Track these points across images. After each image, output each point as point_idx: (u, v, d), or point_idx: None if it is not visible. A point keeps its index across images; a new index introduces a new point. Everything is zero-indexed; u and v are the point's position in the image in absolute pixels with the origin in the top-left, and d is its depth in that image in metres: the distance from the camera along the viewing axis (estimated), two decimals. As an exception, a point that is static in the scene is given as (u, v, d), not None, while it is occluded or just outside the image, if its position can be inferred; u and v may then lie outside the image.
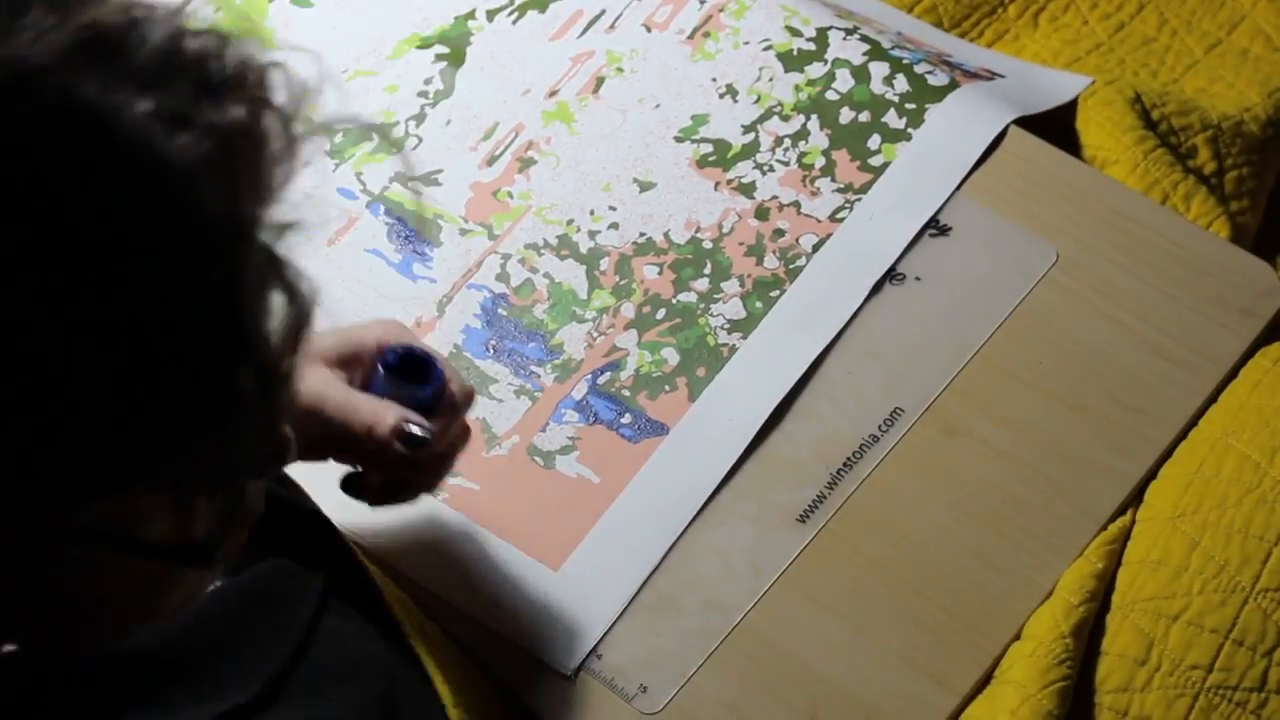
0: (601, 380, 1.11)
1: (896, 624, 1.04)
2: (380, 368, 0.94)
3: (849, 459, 1.09)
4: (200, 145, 0.64)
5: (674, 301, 1.13)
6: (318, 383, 0.93)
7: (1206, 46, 1.28)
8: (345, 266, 1.15)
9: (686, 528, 1.07)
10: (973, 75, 1.22)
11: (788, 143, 1.18)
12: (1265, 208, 1.24)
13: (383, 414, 0.92)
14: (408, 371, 0.94)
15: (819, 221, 1.16)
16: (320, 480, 0.98)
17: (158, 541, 0.69)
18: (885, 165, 1.17)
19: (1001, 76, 1.22)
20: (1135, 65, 1.27)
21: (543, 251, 1.16)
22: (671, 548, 1.06)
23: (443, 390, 0.95)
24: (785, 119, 1.19)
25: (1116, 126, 1.20)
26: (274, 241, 0.66)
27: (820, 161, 1.18)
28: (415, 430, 0.92)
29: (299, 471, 0.97)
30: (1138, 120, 1.20)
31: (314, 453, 0.94)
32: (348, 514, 1.07)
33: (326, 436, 0.93)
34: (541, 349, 1.12)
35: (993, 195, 1.16)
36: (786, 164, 1.18)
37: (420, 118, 1.20)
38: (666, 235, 1.16)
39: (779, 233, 1.15)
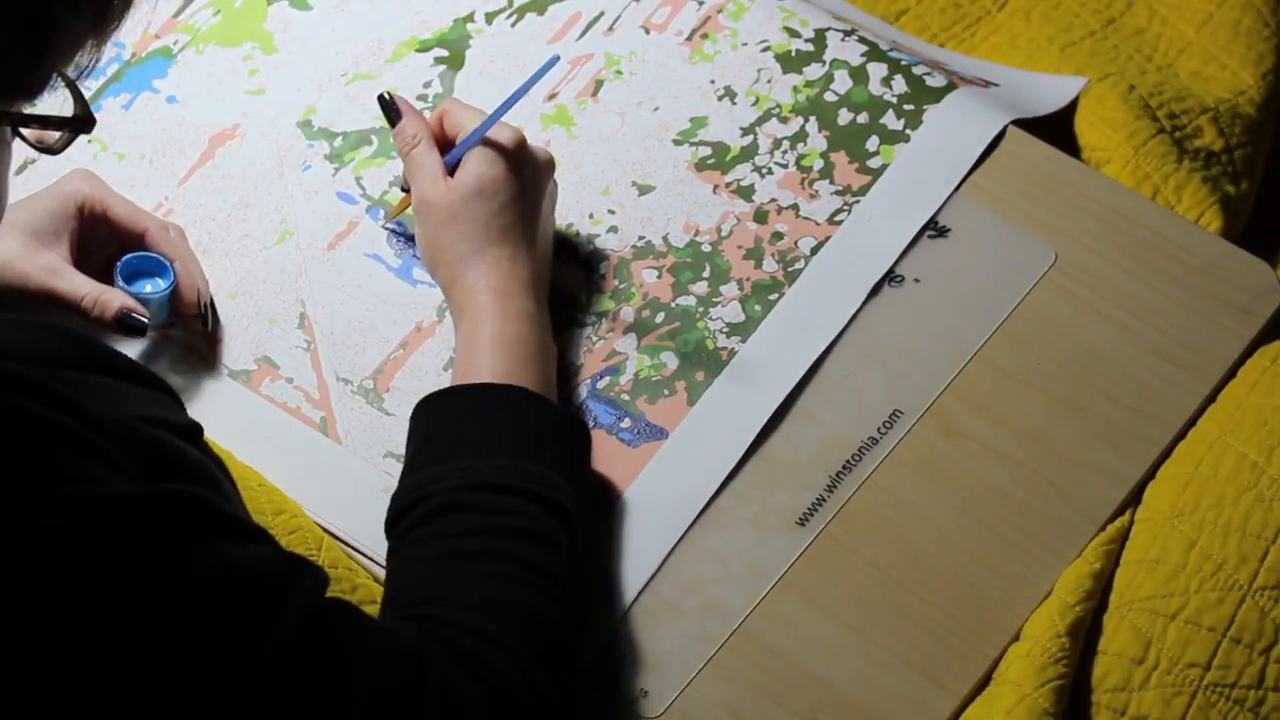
0: (601, 384, 1.11)
1: (896, 626, 1.04)
2: (118, 278, 1.09)
3: (848, 461, 1.09)
4: None
5: (673, 305, 1.14)
6: (15, 257, 1.06)
7: (1198, 24, 1.28)
8: (345, 271, 1.15)
9: (686, 531, 1.07)
10: (969, 81, 1.22)
11: (786, 145, 1.18)
12: (1264, 204, 1.25)
13: (107, 299, 1.07)
14: (147, 270, 1.11)
15: (817, 224, 1.16)
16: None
17: None
18: (884, 167, 1.17)
19: (996, 85, 1.22)
20: (1130, 51, 1.27)
21: (542, 256, 1.16)
22: (671, 551, 1.07)
23: (174, 289, 1.10)
24: (784, 121, 1.19)
25: (1108, 124, 1.20)
26: None
27: (819, 164, 1.18)
28: (136, 318, 1.08)
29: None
30: (1131, 112, 1.20)
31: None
32: (346, 517, 1.08)
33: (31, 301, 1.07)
34: (541, 354, 1.12)
35: (991, 196, 1.17)
36: (785, 166, 1.18)
37: (419, 121, 1.20)
38: (665, 239, 1.16)
39: (778, 235, 1.16)
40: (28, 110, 0.81)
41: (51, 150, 0.85)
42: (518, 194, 1.08)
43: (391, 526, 1.00)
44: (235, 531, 0.87)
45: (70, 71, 0.81)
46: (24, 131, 0.83)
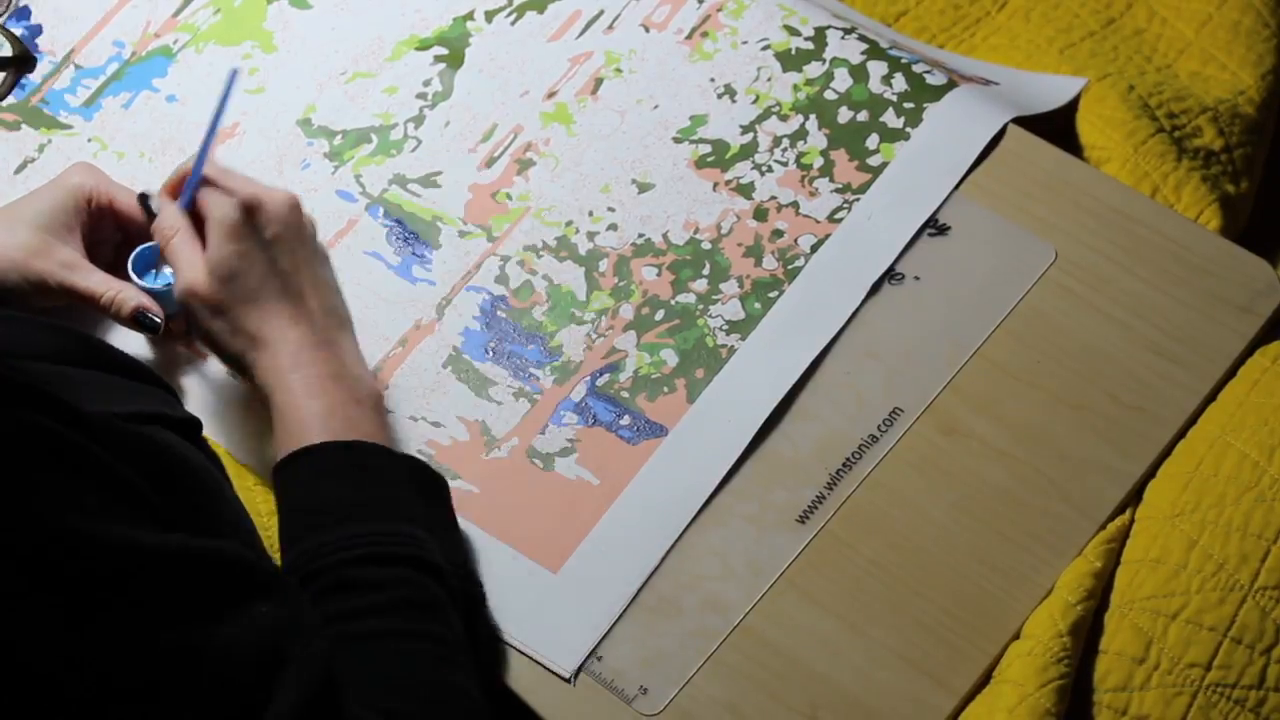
0: (600, 382, 1.11)
1: (896, 624, 1.04)
2: (131, 272, 1.10)
3: (848, 459, 1.09)
4: None
5: (673, 303, 1.14)
6: (32, 254, 1.06)
7: (1198, 25, 1.28)
8: (344, 269, 1.15)
9: (686, 529, 1.07)
10: (969, 79, 1.22)
11: (786, 143, 1.18)
12: (1264, 204, 1.25)
13: (124, 297, 1.08)
14: (158, 259, 1.12)
15: (817, 222, 1.16)
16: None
17: None
18: (884, 165, 1.17)
19: (996, 84, 1.22)
20: (1129, 52, 1.27)
21: (541, 253, 1.16)
22: (671, 549, 1.07)
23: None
24: (784, 119, 1.19)
25: (1108, 123, 1.20)
26: None
27: (819, 161, 1.18)
28: (151, 317, 1.08)
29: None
30: (1130, 112, 1.20)
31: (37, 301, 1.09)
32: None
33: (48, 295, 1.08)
34: (540, 351, 1.12)
35: (991, 194, 1.16)
36: (785, 164, 1.18)
37: (419, 119, 1.20)
38: (665, 236, 1.16)
39: (777, 233, 1.16)
40: None
41: None
42: (271, 257, 1.05)
43: None
44: (239, 591, 0.84)
45: None
46: None
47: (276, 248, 1.05)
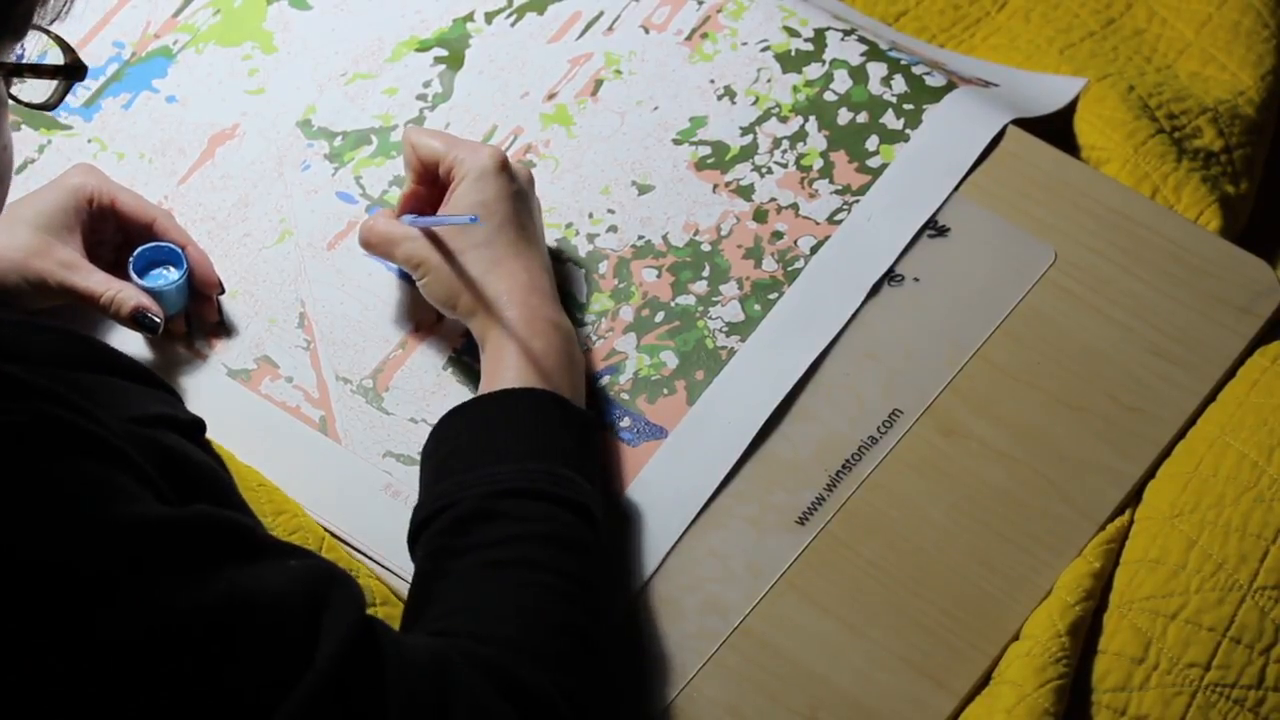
0: (601, 384, 1.11)
1: (895, 625, 1.04)
2: (132, 272, 1.10)
3: (848, 461, 1.09)
4: None
5: (672, 304, 1.14)
6: (33, 253, 1.07)
7: (1198, 25, 1.28)
8: (345, 271, 1.15)
9: (686, 530, 1.07)
10: (969, 81, 1.22)
11: (786, 144, 1.18)
12: (1264, 204, 1.25)
13: (124, 297, 1.08)
14: (159, 260, 1.12)
15: (817, 223, 1.16)
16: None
17: None
18: (883, 166, 1.17)
19: (996, 85, 1.22)
20: (1129, 52, 1.27)
21: (542, 255, 1.16)
22: (671, 551, 1.07)
23: (188, 276, 1.12)
24: (783, 120, 1.19)
25: (1108, 123, 1.21)
26: None
27: (818, 163, 1.18)
28: (150, 317, 1.09)
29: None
30: (1130, 112, 1.21)
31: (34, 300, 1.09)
32: (346, 516, 1.08)
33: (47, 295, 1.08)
34: (541, 353, 1.12)
35: (991, 196, 1.17)
36: (785, 166, 1.18)
37: (419, 121, 1.20)
38: (665, 238, 1.16)
39: (777, 235, 1.16)
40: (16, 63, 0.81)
41: (46, 106, 0.85)
42: (516, 209, 1.08)
43: (415, 538, 0.99)
44: (265, 549, 0.87)
45: (46, 21, 0.82)
46: (16, 93, 0.83)
47: (520, 201, 1.08)
